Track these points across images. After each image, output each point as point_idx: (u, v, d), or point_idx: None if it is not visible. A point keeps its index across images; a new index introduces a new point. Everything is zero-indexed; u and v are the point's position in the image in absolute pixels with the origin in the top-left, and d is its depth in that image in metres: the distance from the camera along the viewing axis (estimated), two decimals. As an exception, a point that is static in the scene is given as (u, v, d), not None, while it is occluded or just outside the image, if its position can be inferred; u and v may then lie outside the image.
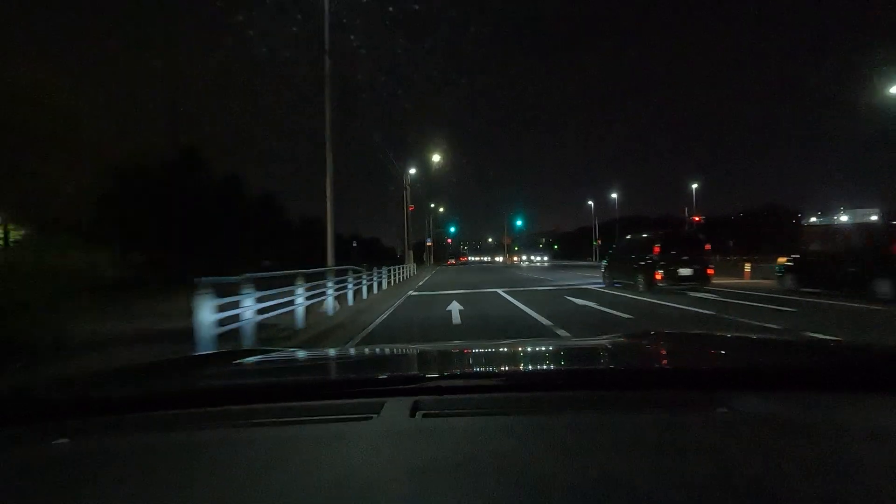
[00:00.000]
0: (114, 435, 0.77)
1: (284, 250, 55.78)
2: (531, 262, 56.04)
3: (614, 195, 51.97)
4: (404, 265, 24.75)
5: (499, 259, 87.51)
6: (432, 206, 54.77)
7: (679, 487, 0.52)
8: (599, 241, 54.40)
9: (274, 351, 1.60)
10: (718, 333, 1.70)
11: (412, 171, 33.09)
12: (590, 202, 58.04)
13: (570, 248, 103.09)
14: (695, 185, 44.69)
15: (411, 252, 27.52)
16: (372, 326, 7.51)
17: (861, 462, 0.59)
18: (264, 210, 63.09)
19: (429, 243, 49.66)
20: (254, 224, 58.64)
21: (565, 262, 52.39)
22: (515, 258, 58.46)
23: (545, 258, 60.12)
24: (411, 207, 31.14)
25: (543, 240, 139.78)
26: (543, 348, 1.63)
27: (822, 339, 1.58)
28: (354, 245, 42.36)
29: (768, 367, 0.99)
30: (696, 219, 44.13)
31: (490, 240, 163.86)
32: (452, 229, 59.20)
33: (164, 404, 0.87)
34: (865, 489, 0.52)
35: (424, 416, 0.76)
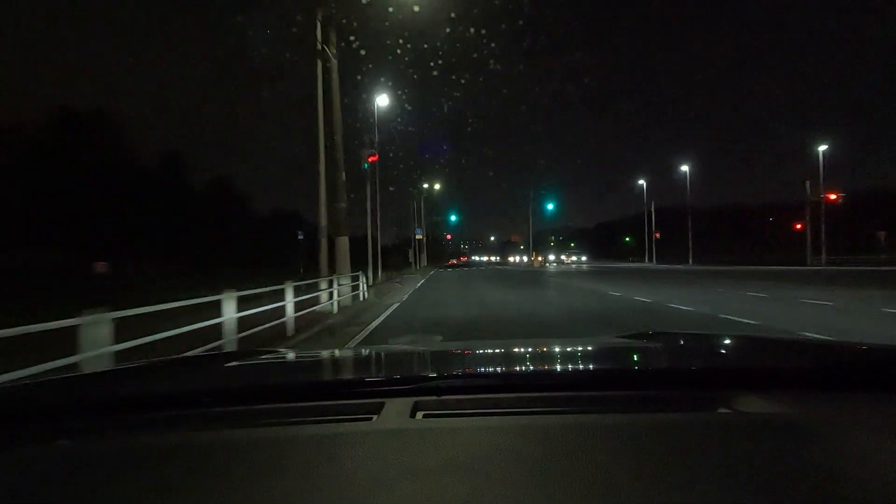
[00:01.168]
0: (113, 436, 0.76)
1: (244, 247, 42.15)
2: (561, 263, 40.32)
3: (684, 167, 36.25)
4: (315, 283, 9.27)
5: (515, 259, 70.62)
6: (425, 186, 39.46)
7: (681, 488, 0.52)
8: (658, 235, 39.17)
9: (272, 352, 1.54)
10: (719, 334, 1.66)
11: (382, 100, 17.91)
12: (640, 181, 42.48)
13: (591, 246, 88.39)
14: (822, 148, 29.17)
15: (339, 242, 10.03)
16: None
17: (862, 461, 0.59)
18: (217, 199, 49.63)
19: (419, 236, 34.12)
20: (201, 215, 45.25)
21: (612, 265, 37.27)
22: (540, 258, 42.20)
23: (582, 258, 44.35)
24: (374, 157, 15.63)
25: (553, 238, 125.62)
26: (544, 349, 1.59)
27: (822, 339, 1.50)
28: (300, 237, 27.16)
29: (769, 367, 1.00)
30: (832, 197, 28.70)
31: (492, 238, 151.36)
32: (454, 218, 43.21)
33: (162, 405, 0.86)
34: (866, 488, 0.52)
35: (425, 416, 0.76)
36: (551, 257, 39.82)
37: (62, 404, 0.88)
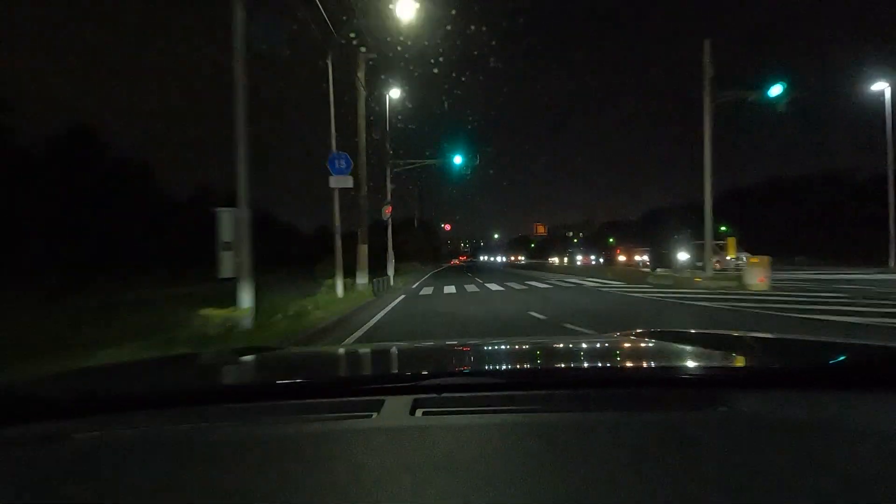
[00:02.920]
0: (117, 433, 0.77)
1: (153, 234, 30.22)
2: (692, 268, 17.71)
3: None
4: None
5: (576, 261, 41.07)
6: (393, 93, 16.69)
7: (680, 486, 0.52)
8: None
9: (273, 349, 1.56)
10: (719, 333, 1.65)
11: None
12: (883, 86, 19.97)
13: (637, 241, 65.96)
14: None
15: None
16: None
17: (860, 460, 0.59)
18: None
19: (385, 209, 11.04)
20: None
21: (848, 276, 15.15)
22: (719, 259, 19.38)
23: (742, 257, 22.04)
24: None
25: (571, 233, 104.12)
26: (544, 346, 1.58)
27: (820, 339, 1.32)
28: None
29: (768, 367, 1.01)
30: None
31: (496, 236, 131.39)
32: (460, 160, 16.09)
33: (165, 402, 0.87)
34: (865, 487, 0.52)
35: (424, 414, 0.77)
36: (682, 257, 17.85)
37: (68, 402, 0.87)
